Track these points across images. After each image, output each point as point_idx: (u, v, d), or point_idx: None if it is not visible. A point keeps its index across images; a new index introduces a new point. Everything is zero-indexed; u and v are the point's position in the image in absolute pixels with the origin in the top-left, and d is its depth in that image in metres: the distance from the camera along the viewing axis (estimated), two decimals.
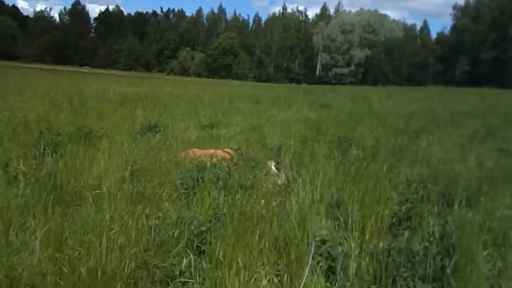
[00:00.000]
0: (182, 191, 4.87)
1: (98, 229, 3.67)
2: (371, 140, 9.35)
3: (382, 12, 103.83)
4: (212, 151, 6.88)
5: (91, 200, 4.26)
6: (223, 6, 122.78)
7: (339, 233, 4.41)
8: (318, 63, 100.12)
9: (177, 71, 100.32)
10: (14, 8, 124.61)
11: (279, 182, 5.95)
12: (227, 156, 6.81)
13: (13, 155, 5.92)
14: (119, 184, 4.78)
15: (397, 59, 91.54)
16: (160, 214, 4.07)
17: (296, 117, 13.12)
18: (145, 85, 26.36)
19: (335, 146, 8.68)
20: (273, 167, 6.41)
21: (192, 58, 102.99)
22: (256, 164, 6.32)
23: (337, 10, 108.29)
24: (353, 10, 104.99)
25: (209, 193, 4.84)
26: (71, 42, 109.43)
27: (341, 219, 4.68)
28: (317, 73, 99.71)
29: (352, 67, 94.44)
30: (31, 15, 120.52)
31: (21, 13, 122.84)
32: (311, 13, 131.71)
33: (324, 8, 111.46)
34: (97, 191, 4.55)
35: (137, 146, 7.12)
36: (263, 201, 4.74)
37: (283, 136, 9.57)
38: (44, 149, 6.41)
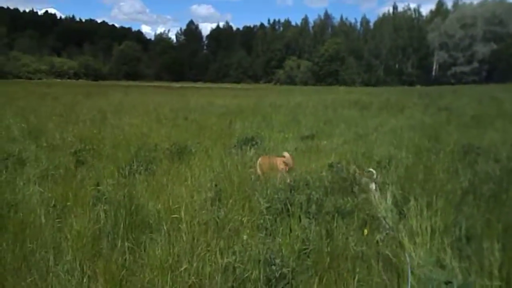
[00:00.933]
0: (268, 217, 4.19)
1: (166, 265, 3.18)
2: (507, 149, 7.60)
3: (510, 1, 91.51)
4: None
5: (165, 228, 3.81)
6: (329, 13, 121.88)
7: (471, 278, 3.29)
8: (434, 63, 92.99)
9: (284, 80, 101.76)
10: (139, 32, 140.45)
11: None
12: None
13: (107, 173, 5.90)
14: (198, 208, 4.29)
15: None
16: (236, 248, 3.43)
17: (409, 124, 11.60)
18: (249, 96, 26.64)
19: (459, 158, 7.21)
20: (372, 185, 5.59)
21: (298, 67, 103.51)
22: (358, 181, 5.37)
23: (455, 4, 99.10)
24: (475, 2, 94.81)
25: (299, 219, 4.09)
26: (186, 60, 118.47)
27: (475, 260, 3.52)
28: (433, 73, 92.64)
29: (475, 64, 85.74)
30: (153, 38, 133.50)
31: (144, 36, 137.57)
32: (425, 10, 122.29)
33: (440, 3, 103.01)
34: (175, 216, 4.11)
35: (230, 161, 6.66)
36: (366, 231, 3.82)
37: (392, 146, 8.35)
38: (137, 167, 6.31)
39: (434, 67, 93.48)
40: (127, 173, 5.92)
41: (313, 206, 4.32)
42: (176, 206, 4.27)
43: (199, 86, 68.16)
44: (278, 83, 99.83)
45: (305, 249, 3.57)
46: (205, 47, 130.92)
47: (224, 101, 21.09)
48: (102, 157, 7.00)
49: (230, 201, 4.45)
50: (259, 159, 6.81)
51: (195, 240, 3.56)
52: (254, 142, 8.96)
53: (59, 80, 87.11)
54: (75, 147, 7.36)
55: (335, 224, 4.01)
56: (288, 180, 6.02)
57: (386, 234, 3.97)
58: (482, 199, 4.55)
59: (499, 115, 13.93)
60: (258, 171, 6.52)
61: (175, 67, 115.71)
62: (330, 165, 6.39)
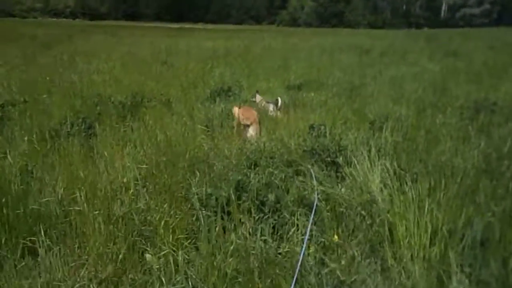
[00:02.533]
0: (204, 213, 3.01)
1: None
2: None
3: None
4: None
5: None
6: None
7: None
8: (443, 4, 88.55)
9: (287, 22, 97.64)
10: None
11: None
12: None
13: (28, 136, 4.72)
14: (109, 197, 3.14)
15: None
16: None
17: (413, 72, 10.15)
18: (244, 38, 24.64)
19: (470, 116, 5.98)
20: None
21: (302, 8, 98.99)
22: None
23: None
24: None
25: (249, 214, 2.99)
26: (186, 0, 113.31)
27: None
28: (442, 15, 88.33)
29: (486, 6, 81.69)
30: None
31: None
32: None
33: None
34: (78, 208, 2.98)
35: (188, 120, 5.46)
36: (336, 237, 2.72)
37: (392, 101, 7.08)
38: (72, 127, 5.12)
39: (443, 9, 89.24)
40: (54, 135, 4.73)
41: (272, 195, 3.17)
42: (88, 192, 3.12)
43: (198, 27, 64.97)
44: (281, 25, 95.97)
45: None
46: None
47: (215, 44, 19.37)
48: (37, 112, 5.77)
49: (156, 186, 3.29)
50: (238, 110, 5.67)
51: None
52: (230, 93, 7.70)
53: (54, 19, 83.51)
54: (5, 98, 6.12)
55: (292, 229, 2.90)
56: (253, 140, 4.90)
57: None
58: (501, 183, 3.40)
59: None
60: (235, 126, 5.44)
61: (175, 7, 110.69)
62: (311, 127, 5.19)
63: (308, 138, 4.66)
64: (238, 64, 11.35)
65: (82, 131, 5.16)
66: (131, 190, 3.21)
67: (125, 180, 3.36)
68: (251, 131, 5.25)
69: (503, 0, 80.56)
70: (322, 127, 5.07)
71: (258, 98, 7.69)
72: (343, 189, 3.49)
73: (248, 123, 5.25)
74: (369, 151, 4.38)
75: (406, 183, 3.47)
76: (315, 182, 3.51)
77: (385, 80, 9.12)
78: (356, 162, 4.12)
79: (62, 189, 3.35)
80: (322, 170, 3.98)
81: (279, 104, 6.53)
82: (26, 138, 4.54)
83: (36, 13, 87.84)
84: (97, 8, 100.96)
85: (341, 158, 4.20)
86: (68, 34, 24.49)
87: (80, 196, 3.03)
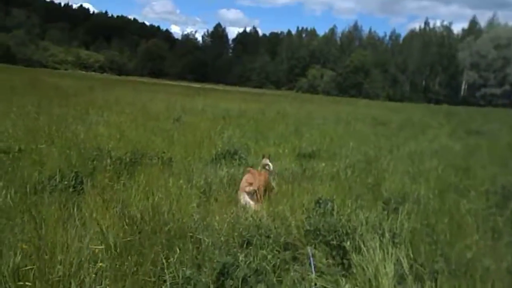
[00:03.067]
0: None
1: None
2: None
3: None
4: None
5: None
6: (358, 24, 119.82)
7: None
8: (464, 82, 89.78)
9: (306, 89, 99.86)
10: (167, 32, 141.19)
11: None
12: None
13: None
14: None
15: None
16: None
17: (432, 148, 9.68)
18: (261, 102, 24.92)
19: (497, 203, 5.37)
20: None
21: (321, 76, 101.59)
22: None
23: (490, 24, 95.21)
24: (510, 23, 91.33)
25: None
26: (209, 61, 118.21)
27: None
28: (462, 93, 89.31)
29: (507, 87, 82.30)
30: (180, 38, 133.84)
31: (172, 36, 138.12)
32: (456, 28, 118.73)
33: (474, 22, 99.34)
34: None
35: (185, 183, 5.02)
36: None
37: (409, 179, 6.55)
38: (60, 181, 4.73)
39: (463, 87, 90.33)
40: (39, 189, 4.34)
41: (261, 286, 2.61)
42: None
43: (218, 88, 66.89)
44: (300, 91, 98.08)
45: None
46: (230, 50, 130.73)
47: (230, 105, 19.48)
48: (30, 162, 5.44)
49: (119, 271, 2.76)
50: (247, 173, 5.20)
51: None
52: (236, 156, 7.30)
53: (83, 72, 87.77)
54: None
55: None
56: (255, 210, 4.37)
57: None
58: None
59: None
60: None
61: (198, 67, 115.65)
62: (317, 202, 4.68)
63: (313, 215, 4.13)
64: (250, 127, 11.11)
65: (71, 187, 4.77)
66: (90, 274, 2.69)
67: (90, 254, 2.86)
68: (247, 199, 4.72)
69: None
70: (330, 203, 4.55)
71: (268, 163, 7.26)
72: (347, 286, 2.90)
73: (247, 190, 4.76)
74: (382, 236, 3.82)
75: (425, 281, 2.88)
76: (313, 276, 2.94)
77: (403, 154, 8.65)
78: (366, 249, 3.56)
79: (19, 257, 2.87)
80: (326, 258, 3.40)
81: (270, 168, 5.89)
82: (4, 192, 4.15)
83: (68, 66, 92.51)
84: (125, 64, 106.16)
85: (348, 243, 3.64)
86: (90, 85, 25.19)
87: (33, 272, 2.53)
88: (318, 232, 3.80)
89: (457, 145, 10.54)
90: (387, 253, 3.59)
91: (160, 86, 39.08)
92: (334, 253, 3.66)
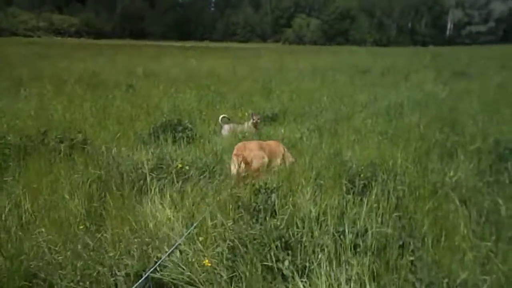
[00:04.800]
0: None
1: None
2: None
3: None
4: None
5: None
6: None
7: None
8: (449, 22, 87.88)
9: (293, 40, 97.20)
10: None
11: None
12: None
13: None
14: None
15: None
16: None
17: (415, 98, 8.43)
18: (236, 58, 23.18)
19: (492, 166, 4.30)
20: None
21: (308, 25, 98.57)
22: None
23: None
24: None
25: None
26: (192, 18, 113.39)
27: None
28: (447, 33, 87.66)
29: (491, 24, 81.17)
30: None
31: None
32: None
33: None
34: None
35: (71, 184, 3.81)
36: None
37: (386, 140, 5.41)
38: None
39: (449, 27, 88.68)
40: None
41: None
42: None
43: (202, 45, 64.00)
44: (287, 42, 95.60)
45: None
46: (212, 5, 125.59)
47: (200, 63, 17.88)
48: None
49: None
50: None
51: None
52: (180, 127, 6.05)
53: (58, 38, 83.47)
54: None
55: None
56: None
57: None
58: None
59: None
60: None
61: (181, 25, 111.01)
62: (257, 192, 3.51)
63: (242, 219, 2.98)
64: (210, 88, 9.75)
65: None
66: None
67: None
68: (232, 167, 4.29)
69: (508, 17, 79.66)
70: (274, 195, 3.38)
71: (227, 128, 6.20)
72: None
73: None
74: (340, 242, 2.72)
75: None
76: None
77: (381, 108, 7.43)
78: (312, 266, 2.45)
79: None
80: None
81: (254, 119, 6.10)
82: None
83: (40, 32, 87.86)
84: (102, 27, 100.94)
85: (286, 263, 2.51)
86: (43, 53, 22.76)
87: None
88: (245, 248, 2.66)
89: (443, 92, 9.32)
90: (346, 266, 2.50)
91: (137, 48, 36.72)
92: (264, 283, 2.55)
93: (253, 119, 6.16)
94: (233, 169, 4.27)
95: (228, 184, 3.89)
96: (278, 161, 4.61)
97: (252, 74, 13.13)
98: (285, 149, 4.81)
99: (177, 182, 4.08)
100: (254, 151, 4.43)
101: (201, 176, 4.31)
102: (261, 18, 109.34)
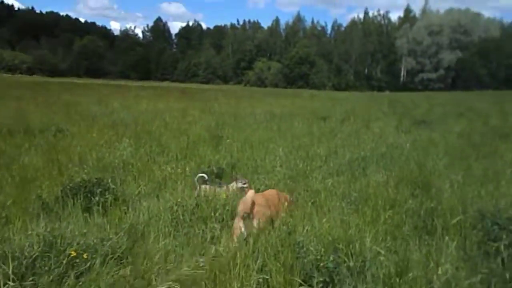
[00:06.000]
0: None
1: None
2: None
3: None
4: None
5: None
6: (301, 15, 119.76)
7: None
8: (403, 69, 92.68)
9: (254, 82, 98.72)
10: (105, 28, 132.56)
11: None
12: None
13: None
14: None
15: (493, 61, 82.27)
16: None
17: (379, 151, 7.67)
18: (193, 100, 22.20)
19: (479, 246, 3.42)
20: None
21: (269, 69, 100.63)
22: None
23: (423, 12, 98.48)
24: (441, 11, 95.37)
25: None
26: (153, 58, 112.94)
27: None
28: (402, 79, 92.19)
29: (441, 71, 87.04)
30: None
31: (111, 32, 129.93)
32: (394, 16, 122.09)
33: (408, 10, 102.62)
34: None
35: None
36: None
37: (350, 205, 4.48)
38: None
39: (403, 73, 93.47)
40: None
41: None
42: None
43: (163, 85, 62.93)
44: (248, 85, 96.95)
45: None
46: (174, 46, 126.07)
47: (153, 105, 16.77)
48: None
49: None
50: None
51: None
52: (100, 189, 4.85)
53: (8, 75, 79.81)
54: None
55: None
56: None
57: None
58: None
59: (496, 134, 10.41)
60: None
61: (141, 65, 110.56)
62: None
63: None
64: (154, 136, 8.62)
65: None
66: None
67: None
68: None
69: (456, 66, 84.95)
70: None
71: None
72: None
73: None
74: None
75: None
76: None
77: (342, 164, 6.56)
78: None
79: None
80: None
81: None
82: None
83: None
84: (56, 64, 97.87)
85: None
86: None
87: None
88: None
89: (406, 143, 8.64)
90: None
91: (86, 87, 35.08)
92: None
93: (242, 182, 5.08)
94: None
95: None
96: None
97: (203, 119, 12.11)
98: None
99: (68, 276, 2.93)
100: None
101: (104, 266, 3.16)
102: (223, 60, 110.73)
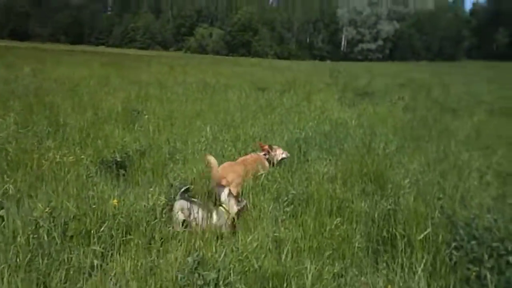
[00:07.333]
0: None
1: None
2: None
3: None
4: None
5: None
6: None
7: None
8: (343, 39, 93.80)
9: (195, 49, 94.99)
10: None
11: None
12: None
13: None
14: None
15: (428, 33, 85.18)
16: None
17: (322, 130, 6.65)
18: (121, 67, 19.94)
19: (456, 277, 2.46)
20: None
21: (210, 35, 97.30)
22: None
23: None
24: None
25: None
26: (86, 21, 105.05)
27: None
28: (342, 49, 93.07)
29: (380, 42, 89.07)
30: None
31: None
32: None
33: None
34: None
35: None
36: None
37: (289, 209, 3.40)
38: None
39: (343, 43, 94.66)
40: None
41: None
42: None
43: (98, 50, 58.10)
44: (189, 52, 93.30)
45: None
46: (109, 9, 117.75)
47: (74, 70, 14.61)
48: None
49: None
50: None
51: None
52: None
53: None
54: None
55: None
56: None
57: None
58: None
59: (442, 108, 9.89)
60: None
61: (73, 28, 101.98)
62: None
63: None
64: (54, 110, 6.97)
65: None
66: None
67: None
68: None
69: (394, 37, 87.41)
70: None
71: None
72: None
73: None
74: None
75: None
76: None
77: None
78: None
79: None
80: None
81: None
82: None
83: None
84: None
85: None
86: None
87: None
88: None
89: (352, 120, 7.73)
90: None
91: (9, 49, 30.89)
92: None
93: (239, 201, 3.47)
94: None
95: None
96: None
97: (124, 89, 10.41)
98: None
99: None
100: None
101: None
102: (162, 25, 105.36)
